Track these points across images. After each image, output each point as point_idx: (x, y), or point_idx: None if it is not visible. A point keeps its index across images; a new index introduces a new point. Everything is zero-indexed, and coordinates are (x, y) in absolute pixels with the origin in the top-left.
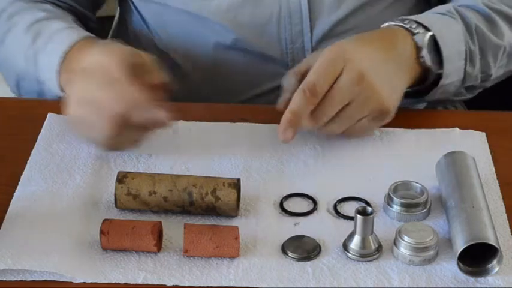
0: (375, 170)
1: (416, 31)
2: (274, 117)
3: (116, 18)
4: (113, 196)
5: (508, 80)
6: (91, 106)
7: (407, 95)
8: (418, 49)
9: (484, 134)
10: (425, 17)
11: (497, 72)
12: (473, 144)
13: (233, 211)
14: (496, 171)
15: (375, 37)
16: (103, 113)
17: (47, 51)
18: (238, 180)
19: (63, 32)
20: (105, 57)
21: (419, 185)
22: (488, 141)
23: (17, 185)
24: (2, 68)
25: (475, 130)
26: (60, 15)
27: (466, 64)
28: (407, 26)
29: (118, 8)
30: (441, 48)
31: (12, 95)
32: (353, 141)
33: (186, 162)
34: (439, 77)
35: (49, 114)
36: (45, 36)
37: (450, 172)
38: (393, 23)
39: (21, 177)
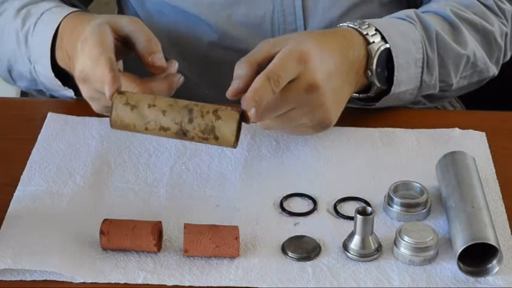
0: (375, 170)
1: (371, 40)
2: None
3: None
4: (113, 193)
5: (508, 80)
6: (88, 83)
7: (356, 99)
8: (369, 59)
9: (484, 134)
10: (384, 24)
11: (459, 82)
12: (473, 144)
13: (232, 135)
14: (496, 171)
15: (335, 40)
16: (99, 90)
17: (37, 31)
18: (242, 111)
19: (52, 11)
20: (95, 36)
21: (419, 185)
22: (488, 141)
23: (17, 185)
24: None
25: (475, 130)
26: None
27: (422, 72)
28: (365, 33)
29: (117, 7)
30: (394, 58)
31: (12, 95)
32: (353, 141)
33: (186, 162)
34: (391, 84)
35: (49, 114)
36: (35, 16)
37: (450, 172)
38: (352, 25)
39: (21, 177)
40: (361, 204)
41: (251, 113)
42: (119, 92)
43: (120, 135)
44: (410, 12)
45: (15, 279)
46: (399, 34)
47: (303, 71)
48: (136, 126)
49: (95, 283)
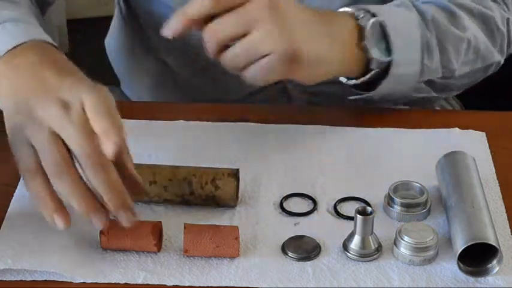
0: (375, 170)
1: (361, 16)
2: (275, 117)
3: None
4: None
5: (508, 80)
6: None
7: (355, 87)
8: (361, 32)
9: (484, 134)
10: (375, 6)
11: (461, 68)
12: (473, 144)
13: (232, 201)
14: (496, 171)
15: (315, 11)
16: None
17: None
18: (237, 170)
19: (14, 24)
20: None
21: (419, 185)
22: (488, 141)
23: (17, 185)
24: None
25: (475, 130)
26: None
27: (423, 56)
28: (352, 11)
29: (116, 7)
30: (389, 34)
31: None
32: (353, 141)
33: (186, 162)
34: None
35: None
36: None
37: (450, 172)
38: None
39: (21, 177)
40: (361, 204)
41: (170, 25)
42: None
43: None
44: (405, 0)
45: (15, 279)
46: (395, 14)
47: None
48: (142, 199)
49: (95, 283)
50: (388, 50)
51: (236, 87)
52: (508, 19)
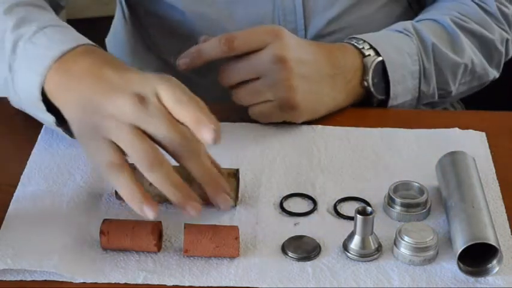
0: (375, 170)
1: (367, 53)
2: None
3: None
4: (113, 193)
5: (507, 80)
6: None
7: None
8: (365, 71)
9: (484, 134)
10: (378, 39)
11: (458, 88)
12: (473, 144)
13: (232, 200)
14: (496, 171)
15: (323, 45)
16: None
17: (37, 43)
18: (237, 170)
19: (58, 30)
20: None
21: (419, 185)
22: (488, 141)
23: (17, 185)
24: None
25: (475, 130)
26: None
27: (420, 83)
28: (360, 47)
29: (118, 7)
30: (388, 73)
31: None
32: (353, 141)
33: None
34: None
35: None
36: (34, 25)
37: (450, 172)
38: (347, 41)
39: (21, 177)
40: (361, 204)
41: (182, 61)
42: None
43: None
44: (408, 24)
45: (15, 279)
46: (393, 48)
47: (273, 42)
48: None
49: (95, 283)
50: (387, 81)
51: None
52: (507, 40)
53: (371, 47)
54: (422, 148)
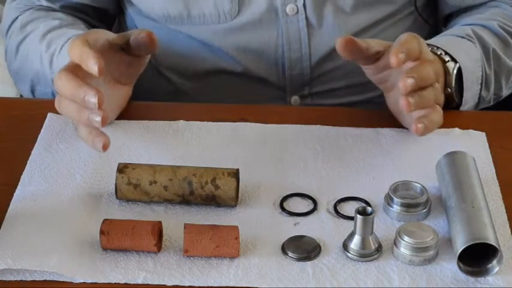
0: (375, 170)
1: (446, 59)
2: (275, 118)
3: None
4: (113, 193)
5: None
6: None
7: None
8: (447, 76)
9: (484, 134)
10: (450, 45)
11: (506, 92)
12: (473, 144)
13: (232, 200)
14: (496, 171)
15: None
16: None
17: (63, 54)
18: (237, 170)
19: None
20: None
21: (419, 185)
22: (488, 141)
23: (17, 185)
24: (17, 76)
25: (475, 130)
26: (73, 23)
27: (481, 89)
28: (439, 53)
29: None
30: (463, 79)
31: (12, 95)
32: (353, 141)
33: (186, 162)
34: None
35: (49, 114)
36: (62, 39)
37: (450, 172)
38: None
39: (21, 177)
40: (361, 204)
41: (399, 57)
42: (119, 170)
43: (120, 136)
44: (468, 30)
45: (15, 279)
46: (465, 54)
47: (421, 48)
48: (142, 199)
49: (95, 283)
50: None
51: (235, 91)
52: None
53: (446, 52)
54: (422, 148)
